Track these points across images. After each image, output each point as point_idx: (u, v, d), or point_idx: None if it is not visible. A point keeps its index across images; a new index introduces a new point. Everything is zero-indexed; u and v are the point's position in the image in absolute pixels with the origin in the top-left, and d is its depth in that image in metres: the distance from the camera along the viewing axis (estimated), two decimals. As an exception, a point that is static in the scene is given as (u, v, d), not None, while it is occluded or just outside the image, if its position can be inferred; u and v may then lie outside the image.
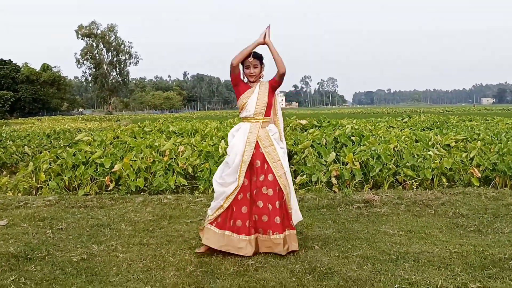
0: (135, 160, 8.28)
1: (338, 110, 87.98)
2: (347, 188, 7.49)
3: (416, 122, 18.23)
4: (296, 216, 4.68)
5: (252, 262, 4.23)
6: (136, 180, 7.81)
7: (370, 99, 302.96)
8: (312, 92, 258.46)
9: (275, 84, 4.69)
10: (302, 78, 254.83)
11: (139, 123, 19.31)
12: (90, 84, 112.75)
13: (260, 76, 4.75)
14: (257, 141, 4.60)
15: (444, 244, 4.63)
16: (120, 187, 7.89)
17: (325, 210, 6.22)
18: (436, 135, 10.65)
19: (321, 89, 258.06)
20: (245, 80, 4.79)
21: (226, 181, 4.56)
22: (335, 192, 7.45)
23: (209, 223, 4.59)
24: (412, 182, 7.66)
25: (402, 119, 19.97)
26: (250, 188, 4.55)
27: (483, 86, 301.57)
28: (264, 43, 4.58)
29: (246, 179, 4.54)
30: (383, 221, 5.62)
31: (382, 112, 62.48)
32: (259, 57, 4.69)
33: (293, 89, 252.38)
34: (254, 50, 4.63)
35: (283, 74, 4.62)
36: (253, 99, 4.66)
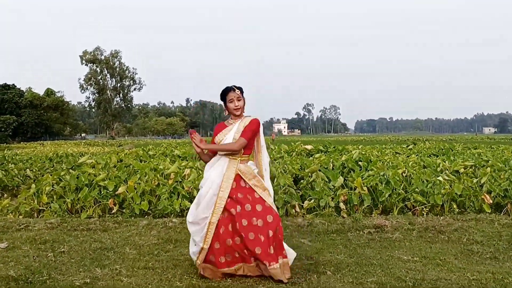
0: (140, 183, 8.13)
1: (340, 138, 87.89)
2: (356, 213, 7.32)
3: (421, 149, 18.08)
4: None
5: (262, 288, 4.05)
6: (141, 203, 7.65)
7: (372, 127, 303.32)
8: (315, 119, 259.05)
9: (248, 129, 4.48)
10: (305, 105, 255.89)
11: (142, 148, 19.22)
12: (94, 109, 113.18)
13: (243, 111, 4.58)
14: (237, 175, 4.40)
15: (461, 271, 4.45)
16: (124, 210, 7.72)
17: (335, 235, 6.05)
18: (444, 161, 10.51)
19: (323, 116, 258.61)
20: (229, 117, 4.65)
21: (198, 217, 4.37)
22: (344, 217, 7.28)
23: (201, 263, 4.39)
24: (422, 208, 7.49)
25: (407, 146, 19.84)
26: (233, 219, 4.27)
27: (485, 115, 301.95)
28: (201, 149, 4.48)
29: (226, 212, 4.31)
30: (395, 246, 5.45)
31: (385, 139, 62.34)
32: (240, 89, 4.55)
33: (295, 116, 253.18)
34: (234, 84, 4.54)
35: (233, 151, 4.44)
36: (229, 137, 4.49)
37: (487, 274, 4.33)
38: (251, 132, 4.45)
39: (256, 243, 4.17)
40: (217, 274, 4.31)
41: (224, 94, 4.53)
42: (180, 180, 8.48)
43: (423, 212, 7.44)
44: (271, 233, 4.19)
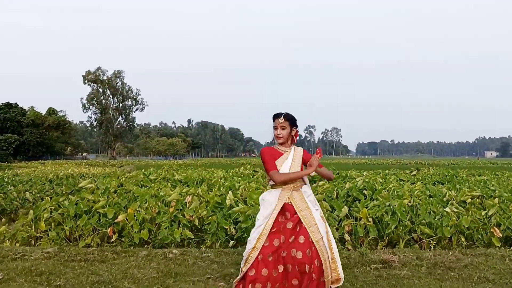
0: (140, 211, 7.94)
1: (342, 160, 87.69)
2: (361, 246, 7.12)
3: (425, 175, 17.89)
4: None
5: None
6: (140, 232, 7.46)
7: (374, 150, 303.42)
8: (316, 141, 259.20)
9: (306, 162, 4.48)
10: (307, 127, 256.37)
11: (143, 170, 19.05)
12: (95, 129, 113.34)
13: (289, 139, 4.57)
14: (290, 204, 4.34)
15: (475, 315, 4.25)
16: (123, 239, 7.52)
17: (340, 270, 5.84)
18: (450, 190, 10.32)
19: (325, 138, 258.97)
20: (275, 141, 4.61)
21: (250, 245, 4.31)
22: (349, 249, 7.08)
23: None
24: (430, 241, 7.29)
25: (410, 172, 19.65)
26: (278, 250, 4.20)
27: (486, 139, 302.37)
28: (311, 173, 4.43)
29: (277, 240, 4.22)
30: (404, 285, 5.24)
31: (387, 163, 62.13)
32: (289, 119, 4.49)
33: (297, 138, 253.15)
34: (287, 112, 4.51)
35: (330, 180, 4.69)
36: (285, 166, 4.45)
37: (502, 319, 4.13)
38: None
39: (295, 275, 4.13)
40: None
41: (273, 118, 4.53)
42: (181, 208, 8.29)
43: (430, 245, 7.23)
44: (307, 268, 4.10)
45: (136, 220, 7.67)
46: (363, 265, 6.01)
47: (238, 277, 4.30)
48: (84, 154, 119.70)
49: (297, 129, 4.60)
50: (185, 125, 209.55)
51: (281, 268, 4.16)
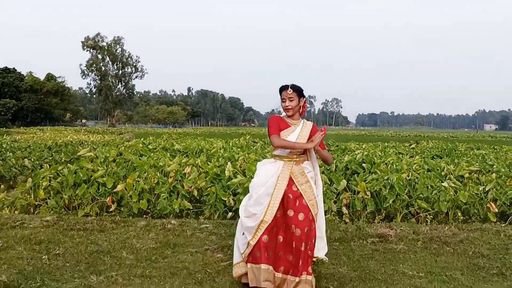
0: (139, 181, 7.97)
1: (342, 131, 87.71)
2: (359, 219, 7.18)
3: (424, 148, 17.92)
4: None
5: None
6: (139, 202, 7.50)
7: (374, 121, 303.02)
8: (316, 112, 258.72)
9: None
10: (307, 97, 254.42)
11: (142, 139, 19.03)
12: (94, 96, 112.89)
13: (299, 111, 4.53)
14: (290, 178, 4.32)
15: (468, 290, 4.30)
16: (122, 209, 7.56)
17: (337, 243, 5.89)
18: (448, 165, 10.35)
19: (325, 109, 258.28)
20: (282, 114, 4.58)
21: (249, 214, 4.29)
22: (346, 222, 7.13)
23: (246, 262, 4.29)
24: (426, 215, 7.34)
25: (409, 145, 19.68)
26: (285, 220, 4.25)
27: (486, 112, 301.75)
28: (310, 148, 4.35)
29: (280, 211, 4.25)
30: (400, 259, 5.29)
31: (386, 135, 62.19)
32: (296, 90, 4.46)
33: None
34: (293, 83, 4.47)
35: (327, 164, 4.56)
36: (291, 139, 4.41)
37: (495, 295, 4.18)
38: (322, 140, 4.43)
39: (290, 250, 4.18)
40: (259, 280, 4.17)
41: (280, 91, 4.50)
42: (180, 178, 8.31)
43: (427, 219, 7.28)
44: (303, 246, 4.11)
45: (135, 190, 7.70)
46: (360, 238, 6.06)
47: (245, 251, 4.29)
48: (84, 121, 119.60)
49: (305, 99, 4.57)
50: (185, 93, 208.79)
51: (281, 239, 4.22)
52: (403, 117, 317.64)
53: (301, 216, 4.18)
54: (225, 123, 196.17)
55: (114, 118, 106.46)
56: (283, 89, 4.47)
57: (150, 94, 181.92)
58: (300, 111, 4.56)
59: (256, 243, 4.19)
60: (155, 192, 7.87)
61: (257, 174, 4.48)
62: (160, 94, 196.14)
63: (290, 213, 4.22)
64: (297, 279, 4.08)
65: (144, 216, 7.46)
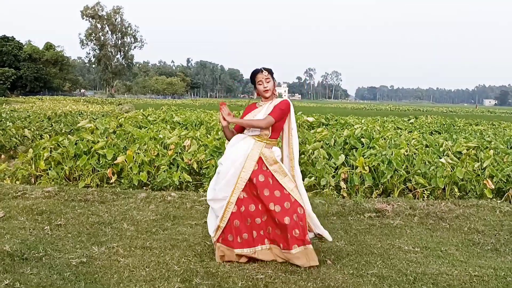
0: (139, 153, 8.03)
1: (341, 105, 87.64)
2: (357, 194, 7.26)
3: (423, 124, 17.97)
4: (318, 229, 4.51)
5: (262, 277, 3.98)
6: (139, 174, 7.57)
7: (373, 95, 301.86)
8: (316, 84, 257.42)
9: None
10: (306, 70, 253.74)
11: (142, 110, 19.06)
12: (94, 66, 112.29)
13: (274, 92, 4.50)
14: (260, 158, 4.32)
15: (462, 266, 4.39)
16: (122, 181, 7.64)
17: (335, 218, 5.98)
18: (446, 140, 10.41)
19: (324, 82, 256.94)
20: (259, 99, 4.60)
21: (217, 197, 4.34)
22: (343, 197, 7.22)
23: (216, 242, 4.39)
24: (423, 191, 7.42)
25: (408, 120, 19.72)
26: (254, 200, 4.28)
27: (486, 87, 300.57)
28: (228, 123, 4.36)
29: (245, 193, 4.28)
30: (396, 234, 5.38)
31: (385, 109, 62.18)
32: (270, 71, 4.47)
33: (296, 80, 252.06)
34: (263, 66, 4.43)
35: (261, 127, 4.31)
36: (259, 117, 4.39)
37: (488, 270, 4.26)
38: (280, 111, 4.35)
39: (274, 225, 4.24)
40: (232, 256, 4.30)
41: (253, 76, 4.46)
42: (180, 151, 8.37)
43: (424, 195, 7.37)
44: (287, 220, 4.15)
45: (135, 162, 7.76)
46: (357, 213, 6.14)
47: (216, 234, 4.35)
48: (82, 90, 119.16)
49: (275, 80, 4.53)
50: (184, 64, 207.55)
51: (258, 220, 4.28)
52: (403, 91, 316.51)
53: (277, 193, 4.24)
54: (224, 95, 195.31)
55: (113, 88, 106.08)
56: (256, 72, 4.45)
57: (150, 64, 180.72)
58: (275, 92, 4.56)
59: (226, 226, 4.28)
60: (155, 165, 7.94)
61: (224, 157, 4.46)
62: (159, 64, 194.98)
63: (266, 192, 4.25)
64: (290, 252, 4.18)
65: (144, 188, 7.54)
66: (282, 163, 4.48)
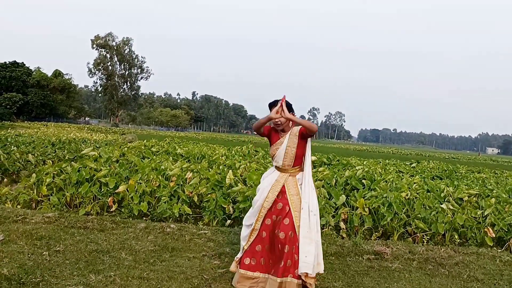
0: (140, 183, 8.05)
1: (343, 145, 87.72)
2: (356, 235, 7.24)
3: (424, 168, 17.97)
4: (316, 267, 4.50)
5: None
6: (140, 203, 7.58)
7: (376, 137, 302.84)
8: (319, 124, 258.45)
9: (304, 132, 4.53)
10: (310, 109, 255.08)
11: (145, 141, 19.13)
12: (100, 95, 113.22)
13: (289, 124, 4.67)
14: (283, 187, 4.57)
15: (461, 313, 4.35)
16: (123, 210, 7.63)
17: (333, 258, 5.95)
18: (448, 186, 10.41)
19: (328, 122, 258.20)
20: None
21: (247, 223, 4.69)
22: (343, 237, 7.20)
23: (237, 265, 4.67)
24: (423, 235, 7.39)
25: (410, 164, 19.73)
26: (273, 226, 4.54)
27: (489, 135, 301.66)
28: (275, 119, 4.51)
29: (269, 219, 4.55)
30: (395, 278, 5.35)
31: (388, 152, 62.20)
32: (286, 105, 4.52)
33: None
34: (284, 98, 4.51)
35: (313, 132, 4.48)
36: (281, 152, 4.62)
37: (487, 319, 4.24)
38: (305, 131, 4.49)
39: (276, 252, 4.52)
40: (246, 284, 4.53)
41: (270, 107, 4.63)
42: (182, 183, 8.39)
43: (423, 239, 7.34)
44: (286, 248, 4.34)
45: (137, 192, 7.78)
46: (356, 254, 6.12)
47: (239, 254, 4.66)
48: (87, 118, 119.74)
49: (294, 113, 4.61)
50: (190, 97, 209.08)
51: (265, 245, 4.57)
52: (406, 135, 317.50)
53: (286, 221, 4.42)
54: (227, 130, 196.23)
55: (117, 117, 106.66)
56: (273, 105, 4.59)
57: (155, 96, 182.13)
58: (290, 124, 4.68)
59: (249, 249, 4.57)
60: (156, 195, 7.95)
61: (258, 187, 4.80)
62: (164, 96, 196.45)
63: (278, 219, 4.51)
64: (278, 279, 4.33)
65: (144, 218, 7.53)
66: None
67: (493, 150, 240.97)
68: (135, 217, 7.44)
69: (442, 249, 6.65)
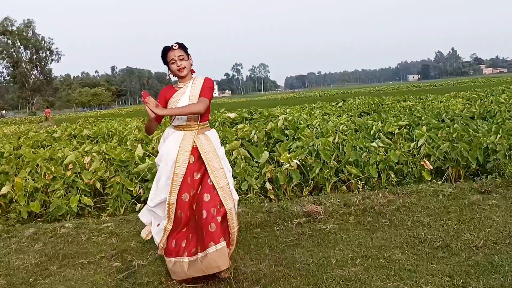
0: (28, 179, 6.79)
1: (271, 96, 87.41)
2: (284, 196, 6.38)
3: (351, 106, 17.40)
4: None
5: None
6: (28, 204, 6.34)
7: (302, 83, 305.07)
8: (244, 79, 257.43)
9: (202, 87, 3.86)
10: (233, 65, 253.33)
11: (63, 123, 17.51)
12: (11, 85, 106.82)
13: (191, 69, 3.96)
14: (195, 148, 3.81)
15: (412, 277, 3.56)
16: (9, 215, 6.40)
17: (259, 230, 5.04)
18: (376, 122, 9.75)
19: (253, 75, 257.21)
20: (172, 80, 3.97)
21: (157, 199, 3.84)
22: (271, 200, 6.32)
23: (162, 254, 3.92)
24: (357, 181, 6.63)
25: (336, 104, 19.19)
26: (191, 203, 3.81)
27: (408, 63, 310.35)
28: (157, 115, 3.61)
29: (187, 194, 3.79)
30: (330, 242, 4.50)
31: (314, 96, 62.16)
32: (184, 47, 3.89)
33: (225, 77, 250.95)
34: (176, 42, 3.86)
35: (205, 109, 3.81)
36: (183, 102, 3.82)
37: (443, 279, 3.47)
38: (210, 90, 3.93)
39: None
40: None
41: (164, 55, 3.89)
42: (80, 171, 7.19)
43: (358, 185, 6.58)
44: (210, 227, 3.62)
45: (25, 190, 6.53)
46: (285, 221, 5.24)
47: (162, 237, 3.86)
48: (3, 112, 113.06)
49: (190, 56, 3.95)
50: (109, 72, 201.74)
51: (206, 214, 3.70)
52: (330, 76, 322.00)
53: (206, 197, 3.72)
54: (155, 99, 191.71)
55: (34, 106, 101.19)
56: (167, 50, 3.86)
57: (72, 77, 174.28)
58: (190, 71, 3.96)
59: (173, 231, 3.85)
60: (53, 190, 6.74)
61: (159, 156, 3.94)
62: (82, 76, 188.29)
63: (198, 190, 3.82)
64: (202, 254, 3.64)
65: (39, 220, 6.35)
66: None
67: (413, 77, 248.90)
68: (24, 221, 6.23)
69: (380, 194, 5.90)
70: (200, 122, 3.88)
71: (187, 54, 3.90)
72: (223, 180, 3.78)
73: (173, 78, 4.02)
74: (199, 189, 3.81)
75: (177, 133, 3.89)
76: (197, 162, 3.82)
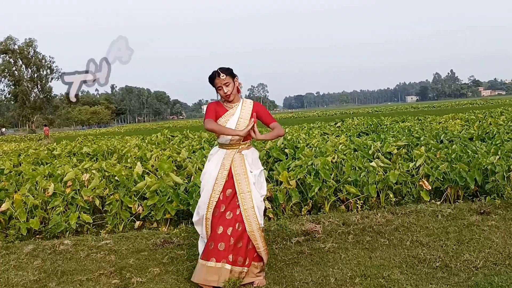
0: (29, 196, 6.79)
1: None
2: (283, 215, 6.38)
3: (350, 126, 17.52)
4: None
5: None
6: (28, 220, 6.34)
7: (300, 103, 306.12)
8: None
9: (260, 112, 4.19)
10: (237, 76, 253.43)
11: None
12: (12, 102, 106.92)
13: (238, 92, 4.19)
14: (230, 167, 4.04)
15: (411, 296, 3.57)
16: (8, 231, 6.39)
17: (258, 249, 5.05)
18: (375, 141, 9.79)
19: (252, 95, 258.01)
20: (222, 100, 4.22)
21: (200, 215, 4.09)
22: (269, 218, 6.33)
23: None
24: (356, 201, 6.65)
25: (335, 124, 19.28)
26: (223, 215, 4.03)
27: (407, 84, 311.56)
28: (243, 136, 3.97)
29: (223, 205, 4.00)
30: (329, 261, 4.51)
31: (313, 115, 62.39)
32: (228, 73, 4.11)
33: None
34: (221, 66, 4.13)
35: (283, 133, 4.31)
36: (232, 123, 4.08)
37: (442, 298, 3.48)
38: (269, 114, 4.26)
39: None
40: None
41: (211, 81, 4.15)
42: (79, 188, 7.19)
43: (357, 205, 6.59)
44: (222, 246, 3.90)
45: (25, 207, 6.53)
46: (284, 239, 5.25)
47: (202, 249, 4.11)
48: (3, 129, 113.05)
49: (237, 78, 4.19)
50: (109, 91, 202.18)
51: (229, 231, 3.96)
52: (329, 96, 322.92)
53: (228, 215, 3.96)
54: (153, 118, 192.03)
55: (33, 124, 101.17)
56: (213, 77, 4.12)
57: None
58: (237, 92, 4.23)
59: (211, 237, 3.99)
60: (52, 207, 6.73)
61: (203, 173, 4.24)
62: (82, 94, 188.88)
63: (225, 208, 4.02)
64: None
65: (38, 237, 6.35)
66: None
67: (412, 98, 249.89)
68: (24, 238, 6.22)
69: (379, 214, 5.92)
70: (242, 141, 4.12)
71: (233, 77, 4.11)
72: (249, 203, 3.97)
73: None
74: (227, 205, 4.00)
75: (220, 151, 4.15)
76: (231, 179, 4.03)
